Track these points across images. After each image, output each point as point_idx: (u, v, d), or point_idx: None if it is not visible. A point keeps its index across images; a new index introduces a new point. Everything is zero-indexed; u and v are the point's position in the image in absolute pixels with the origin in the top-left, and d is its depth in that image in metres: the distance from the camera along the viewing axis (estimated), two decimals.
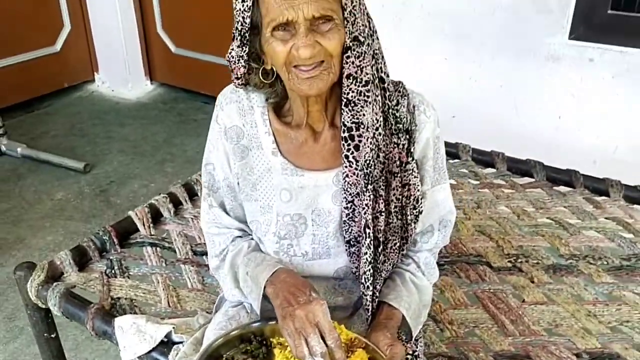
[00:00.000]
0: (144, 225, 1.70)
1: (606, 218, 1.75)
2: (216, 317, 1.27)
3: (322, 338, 0.95)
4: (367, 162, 1.03)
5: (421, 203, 1.14)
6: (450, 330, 1.40)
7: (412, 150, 1.10)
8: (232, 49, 1.03)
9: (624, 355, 1.30)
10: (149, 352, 1.25)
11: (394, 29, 2.84)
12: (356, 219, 1.09)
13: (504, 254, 1.63)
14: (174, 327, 1.28)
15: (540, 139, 2.58)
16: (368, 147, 1.03)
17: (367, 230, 1.07)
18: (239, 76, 1.05)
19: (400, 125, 1.08)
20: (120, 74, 4.25)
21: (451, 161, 2.07)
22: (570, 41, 2.44)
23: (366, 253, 1.08)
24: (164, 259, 1.60)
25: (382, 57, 1.05)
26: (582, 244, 1.66)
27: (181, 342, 1.25)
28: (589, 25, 2.39)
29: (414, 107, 1.11)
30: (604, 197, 1.85)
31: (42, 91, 4.07)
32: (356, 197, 1.07)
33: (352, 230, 1.10)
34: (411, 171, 1.11)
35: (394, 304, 1.15)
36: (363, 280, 1.11)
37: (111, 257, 1.58)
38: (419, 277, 1.21)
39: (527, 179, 1.95)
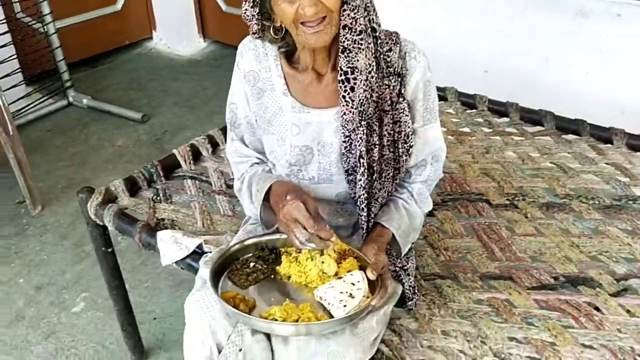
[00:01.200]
0: (185, 161, 1.95)
1: (606, 163, 1.86)
2: (239, 233, 1.52)
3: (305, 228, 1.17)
4: (361, 101, 1.21)
5: (411, 138, 1.31)
6: (445, 255, 1.58)
7: (402, 91, 1.28)
8: (246, 9, 1.23)
9: (597, 279, 1.45)
10: (184, 258, 1.50)
11: None
12: (353, 151, 1.27)
13: (503, 193, 1.78)
14: (205, 240, 1.53)
15: (568, 92, 2.65)
16: (362, 88, 1.20)
17: (362, 160, 1.26)
18: (255, 31, 1.25)
19: (392, 69, 1.25)
20: (176, 32, 4.52)
21: (468, 111, 2.21)
22: None
23: (360, 180, 1.28)
24: (201, 190, 1.84)
25: (374, 9, 1.21)
26: (578, 185, 1.79)
27: (210, 252, 1.50)
28: None
29: (405, 53, 1.27)
30: (608, 145, 1.95)
31: (105, 48, 4.40)
32: (352, 132, 1.25)
33: (349, 160, 1.29)
34: (402, 110, 1.28)
35: (385, 224, 1.34)
36: (359, 203, 1.31)
37: (157, 187, 1.83)
38: (411, 204, 1.40)
39: (537, 128, 2.07)
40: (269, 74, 1.33)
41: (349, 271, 1.25)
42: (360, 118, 1.22)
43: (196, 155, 1.99)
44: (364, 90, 1.20)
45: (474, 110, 2.21)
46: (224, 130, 2.10)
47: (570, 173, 1.84)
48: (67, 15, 3.99)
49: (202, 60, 4.46)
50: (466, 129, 2.12)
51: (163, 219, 1.69)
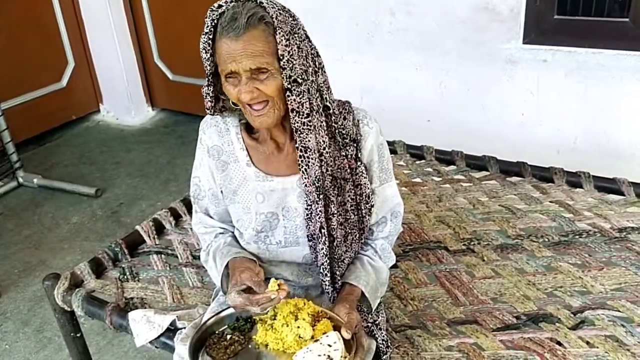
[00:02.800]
0: (149, 236, 1.96)
1: (550, 201, 2.00)
2: (211, 306, 1.54)
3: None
4: (317, 177, 1.28)
5: (372, 198, 1.40)
6: (412, 305, 1.64)
7: (359, 155, 1.36)
8: (204, 87, 1.30)
9: (555, 315, 1.54)
10: (158, 337, 1.51)
11: (368, 44, 3.11)
12: (313, 220, 1.34)
13: (459, 239, 1.88)
14: (177, 317, 1.54)
15: (507, 135, 2.83)
16: (316, 165, 1.28)
17: (322, 230, 1.32)
18: (208, 107, 1.33)
19: (348, 139, 1.34)
20: (123, 103, 4.55)
21: (417, 162, 2.32)
22: (525, 45, 2.69)
23: (322, 248, 1.34)
24: (168, 264, 1.86)
25: (327, 88, 1.30)
26: (527, 225, 1.90)
27: (184, 328, 1.51)
28: (539, 30, 2.65)
29: (358, 121, 1.37)
30: (549, 184, 2.09)
31: (52, 124, 4.38)
32: (313, 203, 1.33)
33: (310, 227, 1.36)
34: (361, 173, 1.37)
35: (354, 282, 1.40)
36: (321, 270, 1.37)
37: (123, 265, 1.84)
38: (376, 260, 1.47)
39: (483, 173, 2.20)
40: (232, 147, 1.40)
41: (324, 333, 1.29)
42: (317, 192, 1.30)
43: (159, 229, 2.01)
44: (319, 167, 1.28)
45: (423, 161, 2.33)
46: (184, 202, 2.14)
47: (518, 214, 1.96)
48: (12, 96, 3.98)
49: (153, 128, 4.49)
50: (418, 180, 2.23)
51: (132, 298, 1.69)
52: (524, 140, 2.79)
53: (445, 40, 2.88)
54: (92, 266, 1.80)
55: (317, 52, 1.28)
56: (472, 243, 1.85)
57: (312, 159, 1.27)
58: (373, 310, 1.44)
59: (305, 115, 1.23)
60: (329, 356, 1.22)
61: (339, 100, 1.37)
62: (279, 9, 1.20)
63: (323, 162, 1.29)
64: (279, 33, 1.17)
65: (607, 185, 2.03)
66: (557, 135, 2.75)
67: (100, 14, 4.23)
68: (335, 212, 1.34)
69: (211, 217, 1.50)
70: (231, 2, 1.19)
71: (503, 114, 2.86)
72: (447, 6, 2.80)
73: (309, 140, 1.25)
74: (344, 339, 1.26)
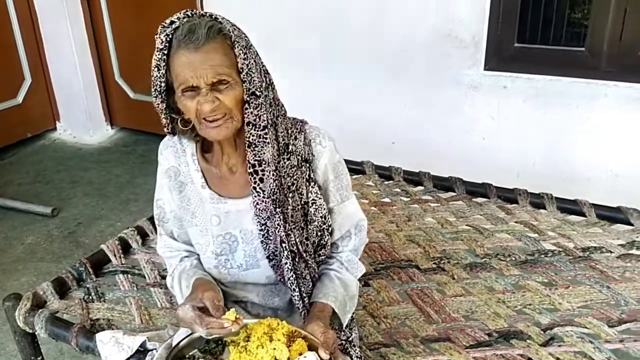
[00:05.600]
0: (115, 256, 1.91)
1: (515, 222, 2.05)
2: (182, 327, 1.50)
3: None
4: (272, 190, 1.28)
5: (328, 218, 1.39)
6: (385, 322, 1.65)
7: (312, 176, 1.36)
8: (157, 104, 1.27)
9: (526, 332, 1.57)
10: (128, 359, 1.46)
11: (335, 65, 3.16)
12: (271, 237, 1.33)
13: (429, 257, 1.90)
14: (147, 338, 1.49)
15: (469, 158, 2.91)
16: (271, 178, 1.27)
17: (284, 245, 1.31)
18: (165, 125, 1.31)
19: (300, 157, 1.34)
20: (81, 121, 4.45)
21: (386, 182, 2.35)
22: (486, 72, 2.79)
23: (286, 263, 1.32)
24: (135, 284, 1.81)
25: (277, 104, 1.30)
26: (494, 244, 1.95)
27: (154, 349, 1.47)
28: (500, 58, 2.75)
29: (310, 140, 1.36)
30: (514, 204, 2.15)
31: (6, 142, 4.24)
32: (268, 220, 1.31)
33: (269, 247, 1.34)
34: (315, 193, 1.36)
35: (323, 300, 1.38)
36: (289, 285, 1.35)
37: (88, 286, 1.78)
38: (343, 272, 1.45)
39: (450, 194, 2.25)
40: (188, 168, 1.39)
41: (300, 353, 1.27)
42: (274, 206, 1.29)
43: (126, 248, 1.96)
44: (274, 180, 1.27)
45: (391, 181, 2.36)
46: (151, 220, 2.09)
47: (485, 233, 2.00)
48: None
49: (112, 147, 4.40)
50: (387, 200, 2.25)
51: (98, 319, 1.64)
52: (485, 163, 2.87)
53: (410, 64, 2.96)
54: (56, 286, 1.73)
55: (267, 70, 1.29)
56: (442, 262, 1.88)
57: (267, 171, 1.26)
58: (344, 327, 1.43)
59: (261, 128, 1.24)
60: None
61: (293, 119, 1.38)
62: (232, 25, 1.21)
63: (277, 176, 1.28)
64: (237, 47, 1.18)
65: (569, 207, 2.10)
66: (517, 159, 2.84)
67: (60, 30, 4.15)
68: (294, 227, 1.33)
69: (175, 239, 1.48)
70: (184, 17, 1.19)
71: (465, 138, 2.94)
72: (412, 32, 2.88)
73: (264, 153, 1.25)
74: (321, 359, 1.25)
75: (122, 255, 1.92)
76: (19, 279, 2.83)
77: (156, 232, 2.03)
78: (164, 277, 1.84)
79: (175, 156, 1.39)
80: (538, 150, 2.78)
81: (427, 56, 2.89)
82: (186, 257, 1.48)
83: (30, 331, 1.63)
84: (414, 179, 2.34)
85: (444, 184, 2.28)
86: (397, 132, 3.11)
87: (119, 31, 4.24)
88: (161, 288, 1.79)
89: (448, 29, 2.79)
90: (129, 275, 1.84)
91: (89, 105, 4.38)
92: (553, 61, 2.65)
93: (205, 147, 1.39)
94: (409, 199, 2.25)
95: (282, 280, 1.38)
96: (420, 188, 2.30)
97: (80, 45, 4.22)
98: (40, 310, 1.61)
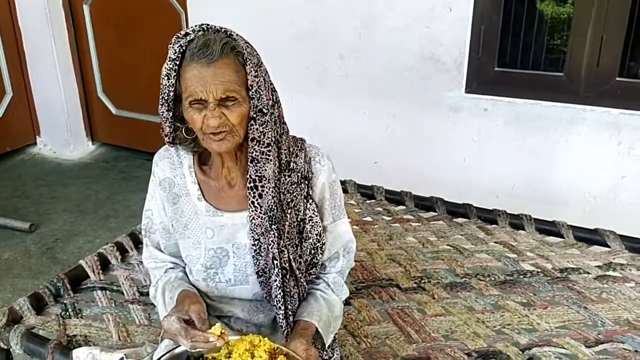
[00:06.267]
0: (93, 272, 1.89)
1: (495, 242, 2.08)
2: (162, 343, 1.48)
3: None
4: (270, 206, 1.29)
5: (323, 236, 1.40)
6: (366, 342, 1.64)
7: (310, 193, 1.38)
8: (163, 112, 1.28)
9: (505, 352, 1.58)
10: None
11: (318, 86, 3.18)
12: (263, 254, 1.33)
13: (410, 277, 1.91)
14: (125, 355, 1.47)
15: (450, 179, 2.93)
16: (270, 195, 1.28)
17: (275, 262, 1.31)
18: (167, 134, 1.31)
19: (300, 174, 1.36)
20: (62, 137, 4.41)
21: (368, 201, 2.37)
22: (467, 94, 2.83)
23: (275, 280, 1.33)
24: (113, 301, 1.78)
25: (282, 122, 1.32)
26: (474, 264, 1.96)
27: None
28: (480, 81, 2.80)
29: (310, 158, 1.38)
30: (493, 225, 2.18)
31: None
32: (262, 236, 1.31)
33: (259, 262, 1.34)
34: (312, 210, 1.38)
35: (307, 318, 1.38)
36: (275, 303, 1.35)
37: (65, 302, 1.75)
38: (329, 293, 1.46)
39: (431, 213, 2.27)
40: (184, 180, 1.38)
41: None
42: (270, 222, 1.29)
43: (104, 265, 1.93)
44: (272, 197, 1.28)
45: (373, 200, 2.37)
46: (131, 236, 2.08)
47: (465, 253, 2.02)
48: None
49: (92, 163, 4.36)
50: (368, 218, 2.26)
51: (75, 336, 1.61)
52: (465, 184, 2.90)
53: (392, 86, 2.99)
54: (32, 301, 1.70)
55: (274, 88, 1.31)
56: (423, 281, 1.89)
57: (267, 188, 1.27)
58: (327, 347, 1.43)
59: (265, 145, 1.25)
60: None
61: (293, 137, 1.39)
62: (245, 42, 1.23)
63: (276, 192, 1.29)
64: (249, 64, 1.20)
65: (547, 228, 2.13)
66: (496, 180, 2.87)
67: (43, 45, 4.14)
68: (288, 244, 1.33)
69: (162, 251, 1.47)
70: (199, 31, 1.21)
71: (446, 159, 2.97)
72: (394, 54, 2.92)
73: (265, 170, 1.27)
74: None
75: (100, 271, 1.90)
76: None
77: (136, 249, 2.05)
78: (142, 294, 1.82)
79: (171, 168, 1.39)
80: (517, 172, 2.82)
81: (410, 78, 2.92)
82: (171, 268, 1.46)
83: (5, 347, 1.60)
84: (395, 198, 2.36)
85: (425, 204, 2.30)
86: (379, 152, 3.14)
87: (102, 47, 4.24)
88: (140, 305, 1.77)
89: (430, 52, 2.84)
90: (107, 292, 1.82)
91: (70, 121, 4.35)
92: (533, 85, 2.70)
93: (202, 159, 1.39)
94: (390, 218, 2.26)
95: (268, 297, 1.38)
96: (401, 207, 2.32)
97: (63, 60, 4.21)
98: (16, 326, 1.59)
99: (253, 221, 1.30)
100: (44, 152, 4.50)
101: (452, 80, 2.84)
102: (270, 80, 1.28)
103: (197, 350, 1.26)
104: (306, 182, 1.36)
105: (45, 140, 4.52)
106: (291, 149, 1.35)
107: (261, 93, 1.22)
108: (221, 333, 1.21)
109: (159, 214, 1.42)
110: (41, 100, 4.38)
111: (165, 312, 1.37)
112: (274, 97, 1.29)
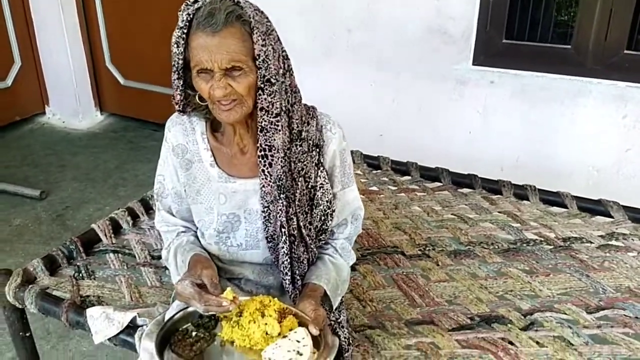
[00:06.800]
0: (105, 235, 1.93)
1: (499, 212, 2.10)
2: (174, 303, 1.53)
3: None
4: (279, 176, 1.31)
5: (333, 203, 1.43)
6: (371, 306, 1.69)
7: (322, 160, 1.40)
8: (174, 79, 1.29)
9: (507, 317, 1.62)
10: (117, 334, 1.49)
11: (325, 58, 3.18)
12: (271, 221, 1.36)
13: (415, 244, 1.95)
14: (137, 314, 1.52)
15: (455, 151, 2.95)
16: (279, 164, 1.30)
17: (283, 229, 1.34)
18: (178, 102, 1.33)
19: (310, 142, 1.38)
20: (71, 106, 4.44)
21: (374, 172, 2.39)
22: (474, 67, 2.83)
23: (283, 247, 1.36)
24: (125, 263, 1.83)
25: (293, 91, 1.32)
26: (478, 233, 2.00)
27: (144, 325, 1.50)
28: (488, 53, 2.79)
29: (321, 126, 1.40)
30: (498, 195, 2.21)
31: None
32: (271, 204, 1.34)
33: (269, 229, 1.38)
34: (323, 178, 1.40)
35: (315, 281, 1.42)
36: (282, 268, 1.39)
37: (78, 264, 1.80)
38: (337, 258, 1.50)
39: (436, 184, 2.30)
40: (196, 146, 1.40)
41: (291, 329, 1.30)
42: (278, 191, 1.32)
43: (116, 229, 1.98)
44: (282, 166, 1.30)
45: (379, 171, 2.40)
46: (142, 202, 2.12)
47: (470, 222, 2.05)
48: None
49: (101, 133, 4.39)
50: (374, 188, 2.29)
51: (88, 296, 1.66)
52: (470, 156, 2.92)
53: (399, 58, 2.99)
54: (46, 263, 1.75)
55: (287, 55, 1.31)
56: (427, 248, 1.92)
57: (276, 157, 1.29)
58: (334, 309, 1.47)
59: (274, 115, 1.26)
60: (298, 351, 1.23)
61: (305, 105, 1.40)
62: (255, 9, 1.22)
63: (286, 162, 1.31)
64: (256, 33, 1.19)
65: (551, 199, 2.16)
66: (501, 152, 2.89)
67: (51, 14, 4.14)
68: (296, 212, 1.36)
69: (174, 215, 1.50)
70: None
71: (452, 131, 2.98)
72: (402, 26, 2.92)
73: (275, 140, 1.28)
74: (311, 334, 1.28)
75: (112, 235, 1.94)
76: (6, 260, 2.83)
77: (147, 214, 2.09)
78: (154, 257, 1.87)
79: (183, 134, 1.40)
80: (523, 144, 2.83)
81: (417, 50, 2.92)
82: (183, 232, 1.50)
83: (20, 306, 1.65)
84: (401, 168, 2.38)
85: (430, 174, 2.33)
86: (385, 125, 3.15)
87: (110, 17, 4.23)
88: (151, 267, 1.81)
89: (438, 25, 2.83)
90: (119, 255, 1.86)
91: (79, 91, 4.37)
92: (540, 58, 2.70)
93: (215, 126, 1.40)
94: (396, 188, 2.29)
95: (276, 262, 1.41)
96: (407, 178, 2.35)
97: (71, 29, 4.21)
98: (30, 286, 1.64)
99: (263, 189, 1.33)
100: (52, 122, 4.53)
101: (459, 53, 2.83)
102: (282, 48, 1.28)
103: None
104: (317, 149, 1.38)
105: (54, 110, 4.55)
106: (303, 118, 1.36)
107: (269, 62, 1.21)
108: (233, 297, 1.25)
109: (172, 179, 1.45)
110: (50, 70, 4.40)
111: (178, 275, 1.42)
112: (285, 65, 1.28)
